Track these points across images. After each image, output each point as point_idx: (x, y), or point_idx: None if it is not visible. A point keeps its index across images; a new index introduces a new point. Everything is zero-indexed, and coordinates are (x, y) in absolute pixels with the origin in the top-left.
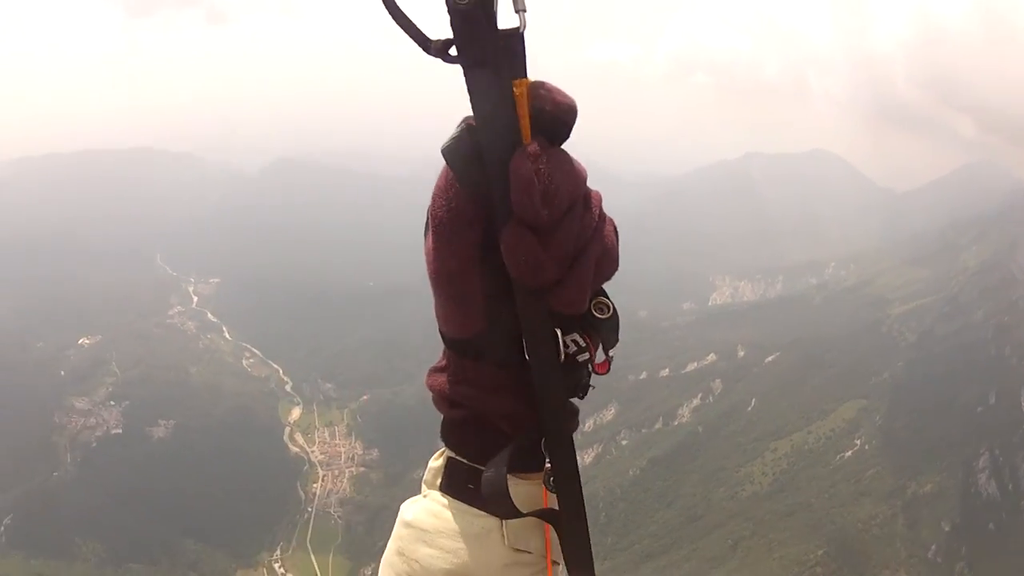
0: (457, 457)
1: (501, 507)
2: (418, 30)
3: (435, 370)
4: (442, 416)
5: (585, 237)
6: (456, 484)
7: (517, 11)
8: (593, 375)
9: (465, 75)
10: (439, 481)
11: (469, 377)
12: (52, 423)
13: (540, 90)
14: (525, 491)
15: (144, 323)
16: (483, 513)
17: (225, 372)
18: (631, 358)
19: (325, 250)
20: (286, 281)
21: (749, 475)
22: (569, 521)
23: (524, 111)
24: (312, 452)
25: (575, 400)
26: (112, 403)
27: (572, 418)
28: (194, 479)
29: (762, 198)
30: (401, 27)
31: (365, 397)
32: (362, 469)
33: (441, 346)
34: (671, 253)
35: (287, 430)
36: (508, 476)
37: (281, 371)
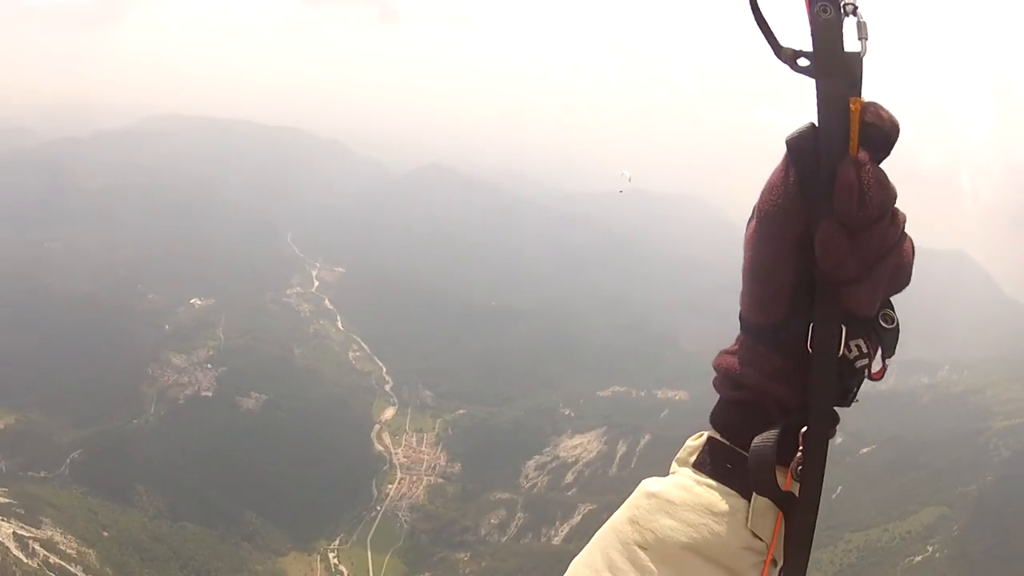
0: (720, 438)
1: (763, 477)
2: (774, 34)
3: (726, 353)
4: (718, 397)
5: (887, 246)
6: (714, 462)
7: (860, 39)
8: (867, 381)
9: (816, 80)
10: (694, 459)
11: (758, 362)
12: (145, 373)
13: (872, 108)
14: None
15: (260, 296)
16: (734, 492)
17: (329, 360)
18: None
19: (455, 262)
20: (410, 284)
21: (817, 561)
22: (803, 511)
23: (855, 125)
24: (395, 454)
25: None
26: (209, 366)
27: (833, 422)
28: (272, 456)
29: None
30: (761, 29)
31: (461, 411)
32: (440, 480)
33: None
34: None
35: (376, 428)
36: None
37: (384, 370)
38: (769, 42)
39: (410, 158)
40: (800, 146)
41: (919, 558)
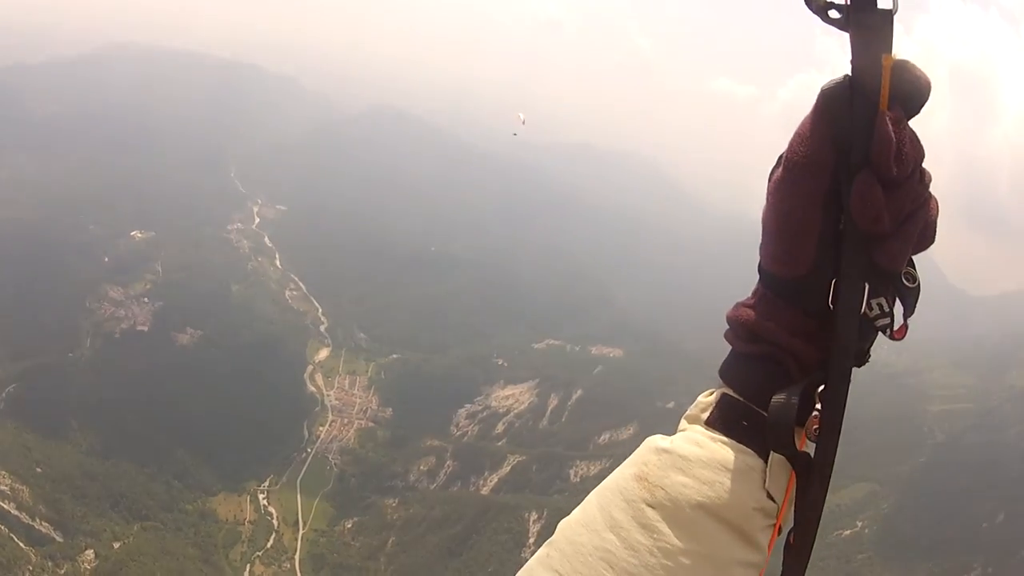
0: (734, 395)
1: (783, 436)
2: None
3: (743, 305)
4: (730, 349)
5: (918, 203)
6: (728, 419)
7: None
8: (890, 340)
9: (852, 34)
10: (706, 415)
11: (778, 316)
12: (82, 306)
13: (905, 65)
14: None
15: (200, 231)
16: (750, 451)
17: (265, 298)
18: (666, 385)
19: (399, 206)
20: (351, 226)
21: None
22: (818, 471)
23: (887, 81)
24: (328, 396)
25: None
26: (146, 300)
27: (848, 381)
28: (205, 393)
29: None
30: None
31: (395, 356)
32: (371, 424)
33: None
34: (735, 292)
35: (309, 368)
36: None
37: (320, 310)
38: None
39: (361, 97)
40: (835, 97)
41: (848, 532)
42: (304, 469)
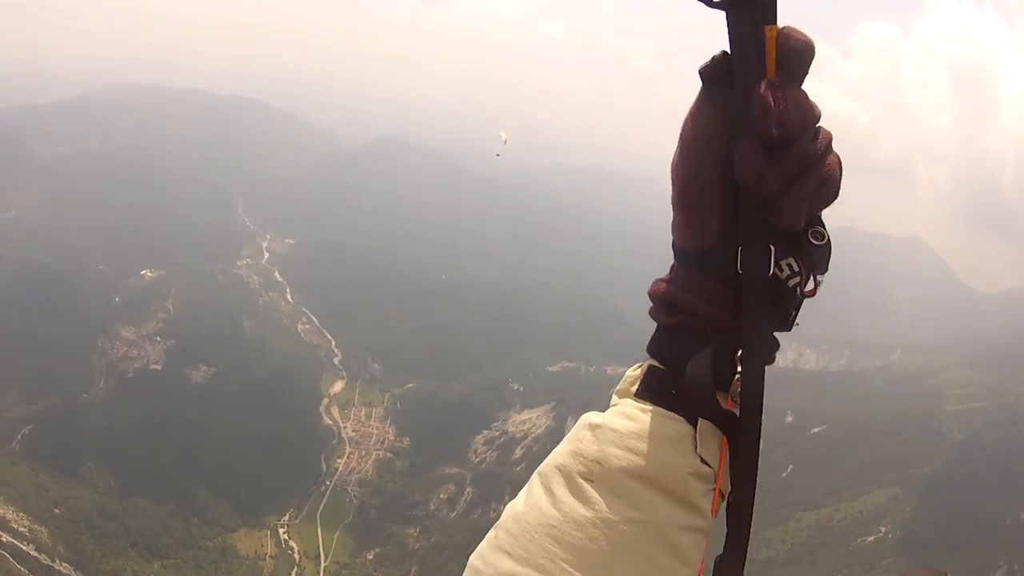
0: (659, 366)
1: (703, 397)
2: None
3: (660, 280)
4: (655, 326)
5: (809, 161)
6: (655, 389)
7: None
8: (803, 301)
9: (727, 13)
10: (635, 388)
11: (692, 286)
12: (94, 346)
13: (786, 31)
14: None
15: (210, 267)
16: (679, 418)
17: (278, 332)
18: None
19: (407, 236)
20: (361, 258)
21: (767, 540)
22: (746, 432)
23: (772, 50)
24: (344, 428)
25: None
26: (158, 339)
27: (772, 346)
28: (221, 430)
29: (848, 273)
30: None
31: (410, 385)
32: (389, 455)
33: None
34: None
35: (325, 401)
36: None
37: (334, 343)
38: None
39: (365, 129)
40: (713, 73)
41: (871, 538)
42: (324, 502)
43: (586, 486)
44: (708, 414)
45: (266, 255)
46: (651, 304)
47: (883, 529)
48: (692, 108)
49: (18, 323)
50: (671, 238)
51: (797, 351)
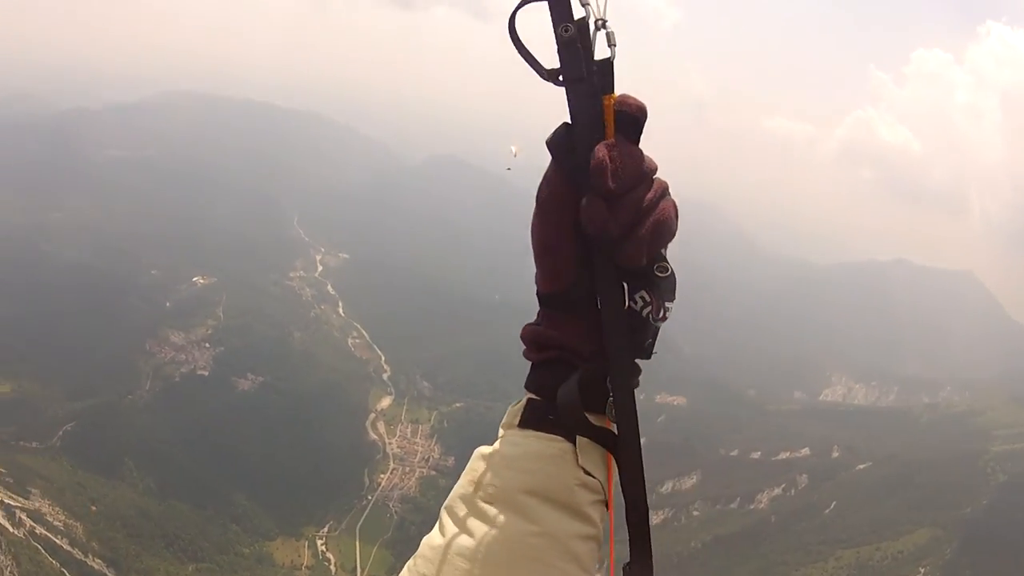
0: (536, 397)
1: (574, 415)
2: (536, 60)
3: (529, 324)
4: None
5: (645, 209)
6: (535, 418)
7: (609, 46)
8: (656, 342)
9: (567, 89)
10: (518, 420)
11: (557, 325)
12: (142, 348)
13: (621, 99)
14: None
15: (263, 278)
16: (559, 438)
17: (327, 345)
18: (727, 433)
19: (461, 254)
20: (414, 274)
21: None
22: (625, 446)
23: (610, 117)
24: (389, 444)
25: (640, 363)
26: (207, 345)
27: (635, 371)
28: (264, 439)
29: (899, 306)
30: (523, 57)
31: (458, 404)
32: (433, 473)
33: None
34: (797, 339)
35: (371, 416)
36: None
37: (383, 358)
38: (533, 67)
39: (422, 146)
40: (556, 143)
41: None
42: (364, 516)
43: (487, 508)
44: (584, 432)
45: (319, 268)
46: (523, 346)
47: (922, 571)
48: (547, 172)
49: (65, 322)
50: (536, 288)
51: (847, 385)
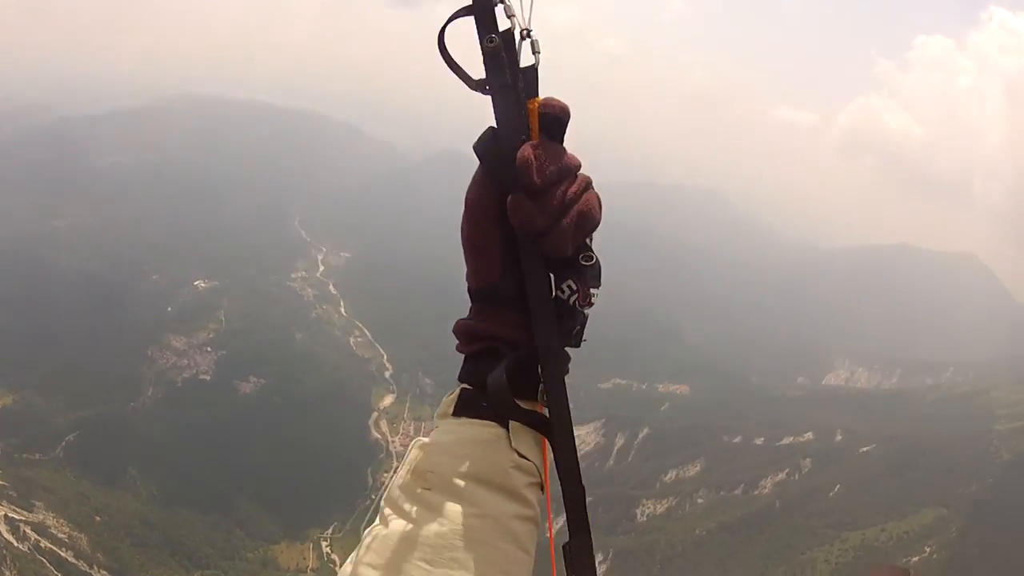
0: (469, 387)
1: (503, 400)
2: (463, 70)
3: (461, 319)
4: (463, 358)
5: (568, 202)
6: (468, 406)
7: (533, 53)
8: (585, 330)
9: (492, 97)
10: (451, 409)
11: (488, 318)
12: (144, 354)
13: (545, 101)
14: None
15: (264, 280)
16: (492, 423)
17: (330, 345)
18: (730, 420)
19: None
20: (417, 272)
21: (812, 560)
22: (558, 429)
23: (535, 120)
24: (392, 442)
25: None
26: (209, 349)
27: (565, 357)
28: (268, 442)
29: (901, 290)
30: (453, 71)
31: None
32: None
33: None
34: (801, 325)
35: (374, 415)
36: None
37: (385, 357)
38: (461, 78)
39: (424, 143)
40: (482, 147)
41: (916, 559)
42: (368, 516)
43: (427, 495)
44: (515, 416)
45: (321, 268)
46: (456, 340)
47: (928, 549)
48: (475, 175)
49: (68, 331)
50: (467, 284)
51: (850, 369)
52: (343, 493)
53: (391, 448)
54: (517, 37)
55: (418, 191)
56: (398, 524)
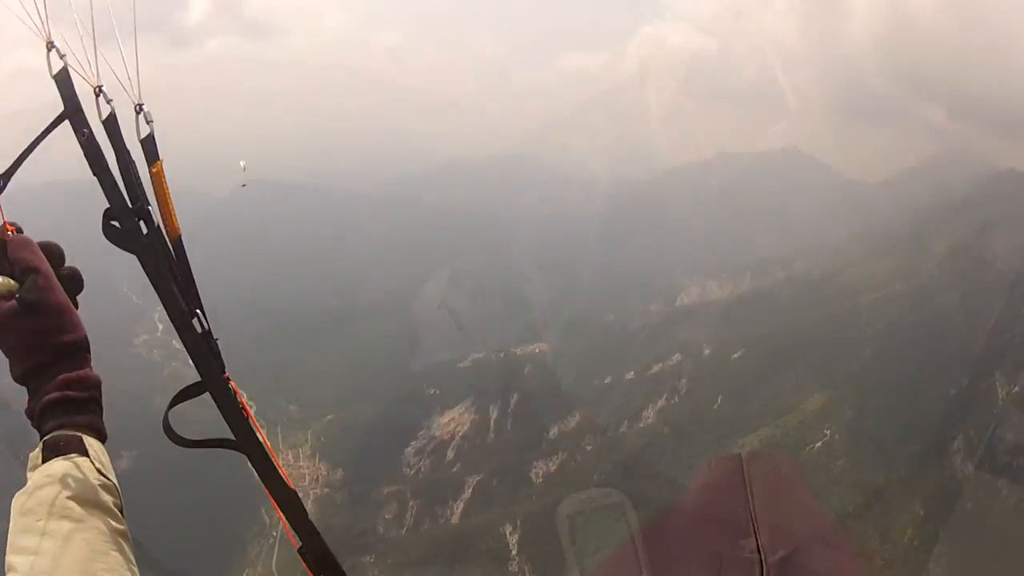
0: (49, 438)
1: (173, 437)
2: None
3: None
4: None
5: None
6: (52, 450)
7: (147, 123)
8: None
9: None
10: (40, 462)
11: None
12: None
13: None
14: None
15: (110, 354)
16: (75, 454)
17: (189, 400)
18: (596, 363)
19: (288, 272)
20: (250, 305)
21: None
22: (248, 447)
23: (161, 183)
24: None
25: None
26: None
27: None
28: (158, 510)
29: (734, 197)
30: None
31: (329, 417)
32: (326, 490)
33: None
34: (641, 256)
35: None
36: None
37: (245, 396)
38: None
39: (227, 178)
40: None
41: (819, 444)
42: (275, 554)
43: (41, 525)
44: (191, 446)
45: (160, 326)
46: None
47: (828, 432)
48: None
49: None
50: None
51: (700, 285)
52: (246, 538)
53: None
54: (134, 113)
55: (230, 227)
56: (24, 556)
